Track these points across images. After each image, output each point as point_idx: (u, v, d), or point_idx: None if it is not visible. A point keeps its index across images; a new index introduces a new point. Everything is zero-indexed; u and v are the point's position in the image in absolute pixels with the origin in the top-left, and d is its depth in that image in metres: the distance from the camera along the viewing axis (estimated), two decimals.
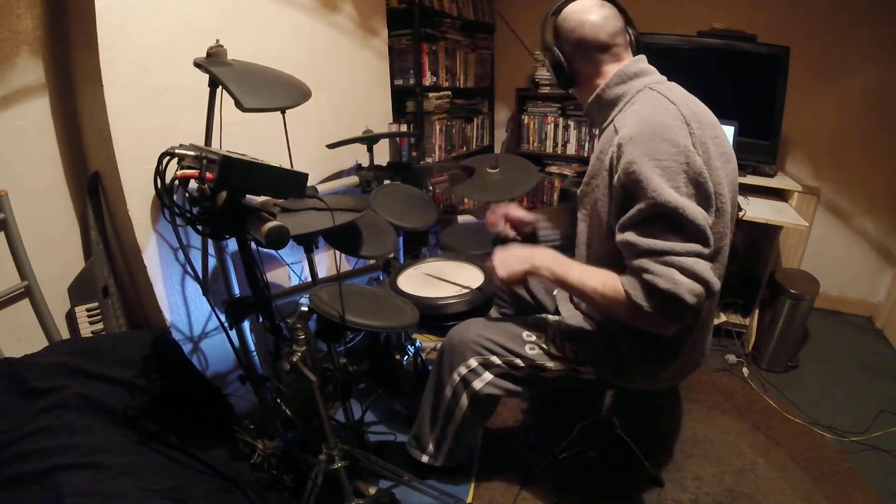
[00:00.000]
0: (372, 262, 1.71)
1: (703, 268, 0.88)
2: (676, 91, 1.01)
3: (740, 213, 1.97)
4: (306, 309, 1.08)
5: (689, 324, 1.00)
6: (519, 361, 1.16)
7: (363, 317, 1.07)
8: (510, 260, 1.13)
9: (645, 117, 0.93)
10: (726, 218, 0.97)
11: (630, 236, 0.91)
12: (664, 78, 1.06)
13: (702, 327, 1.12)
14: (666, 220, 0.88)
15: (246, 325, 1.48)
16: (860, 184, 2.48)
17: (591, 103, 1.09)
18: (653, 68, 1.06)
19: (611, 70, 1.05)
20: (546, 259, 1.08)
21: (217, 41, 1.12)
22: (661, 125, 0.91)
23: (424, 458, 1.33)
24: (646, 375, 1.14)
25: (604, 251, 1.06)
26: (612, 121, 1.05)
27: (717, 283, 0.89)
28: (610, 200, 0.99)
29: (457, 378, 1.20)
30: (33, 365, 1.12)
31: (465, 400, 1.21)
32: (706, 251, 0.89)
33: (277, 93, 1.16)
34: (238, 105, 1.01)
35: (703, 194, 0.90)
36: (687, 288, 0.86)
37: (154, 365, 1.23)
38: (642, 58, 1.06)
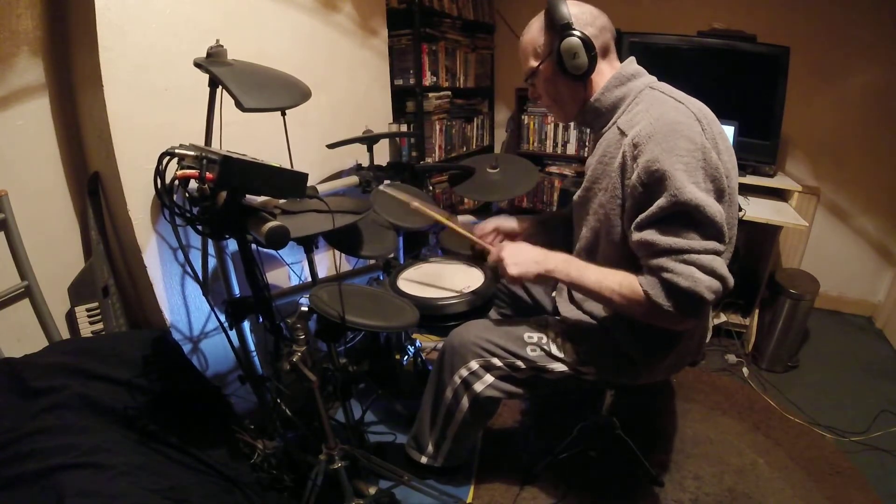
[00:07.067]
0: (372, 262, 1.71)
1: (720, 264, 0.89)
2: (676, 90, 1.01)
3: (740, 213, 1.96)
4: (306, 309, 1.08)
5: None
6: (520, 363, 1.16)
7: (363, 317, 1.07)
8: (524, 259, 1.10)
9: (658, 116, 0.93)
10: (734, 208, 0.98)
11: (649, 235, 0.91)
12: (655, 78, 1.07)
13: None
14: (686, 218, 0.89)
15: (246, 325, 1.48)
16: (860, 184, 2.48)
17: (589, 106, 1.08)
18: (643, 69, 1.07)
19: (607, 72, 1.06)
20: (559, 262, 1.08)
21: (217, 41, 1.12)
22: (676, 122, 0.91)
23: (423, 459, 1.33)
24: (648, 369, 1.14)
25: (613, 255, 1.05)
26: (614, 123, 1.04)
27: (731, 279, 0.90)
28: (623, 202, 0.99)
29: (458, 380, 1.20)
30: (33, 365, 1.12)
31: (465, 402, 1.20)
32: (722, 248, 0.90)
33: (277, 93, 1.16)
34: (238, 105, 1.01)
35: (718, 189, 0.91)
36: (706, 285, 0.87)
37: (154, 365, 1.23)
38: (633, 59, 1.07)
